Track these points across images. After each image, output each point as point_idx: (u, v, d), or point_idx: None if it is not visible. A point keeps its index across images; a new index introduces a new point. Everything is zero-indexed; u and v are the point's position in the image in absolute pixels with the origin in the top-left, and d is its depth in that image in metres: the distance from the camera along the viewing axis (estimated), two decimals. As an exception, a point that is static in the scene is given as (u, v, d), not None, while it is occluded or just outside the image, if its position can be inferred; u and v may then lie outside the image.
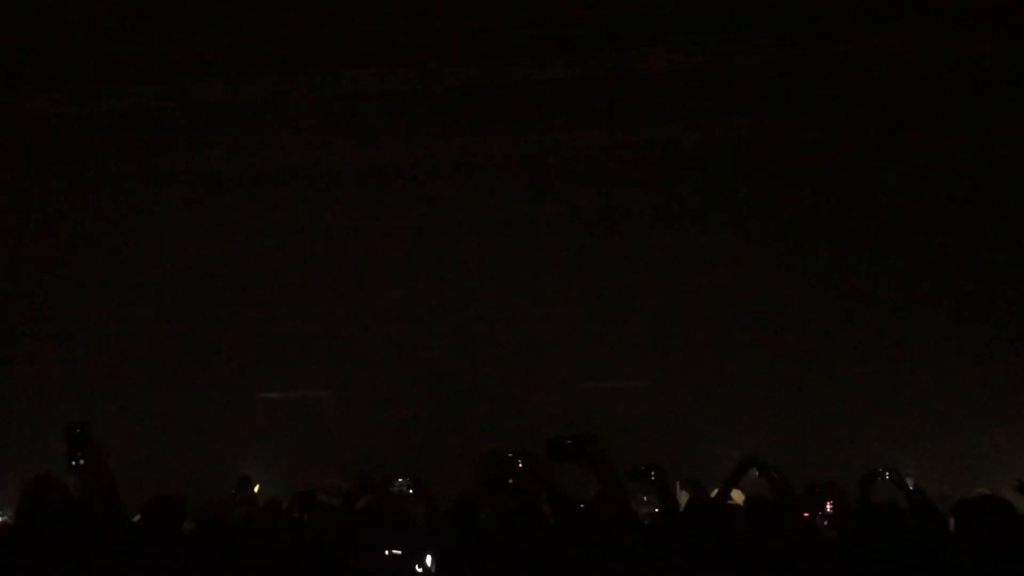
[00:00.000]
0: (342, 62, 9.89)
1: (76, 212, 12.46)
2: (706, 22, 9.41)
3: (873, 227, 12.41)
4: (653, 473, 6.13)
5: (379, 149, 11.49)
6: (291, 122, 10.80)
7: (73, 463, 4.30)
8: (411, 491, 6.41)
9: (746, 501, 6.03)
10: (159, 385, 13.54)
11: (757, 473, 6.27)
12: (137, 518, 4.89)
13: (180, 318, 13.78)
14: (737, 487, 6.70)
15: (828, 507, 4.52)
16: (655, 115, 10.77)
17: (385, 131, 10.93)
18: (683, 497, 7.17)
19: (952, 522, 5.61)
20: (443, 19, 9.30)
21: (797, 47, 9.77)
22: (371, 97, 10.33)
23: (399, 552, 3.66)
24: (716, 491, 6.75)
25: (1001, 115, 10.44)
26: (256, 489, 8.49)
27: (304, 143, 11.32)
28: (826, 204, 12.19)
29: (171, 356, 13.74)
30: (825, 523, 4.50)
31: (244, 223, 12.90)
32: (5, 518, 8.78)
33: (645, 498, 7.68)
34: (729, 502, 6.51)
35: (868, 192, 11.98)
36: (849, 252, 12.78)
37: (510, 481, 5.03)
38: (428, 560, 3.64)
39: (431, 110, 10.49)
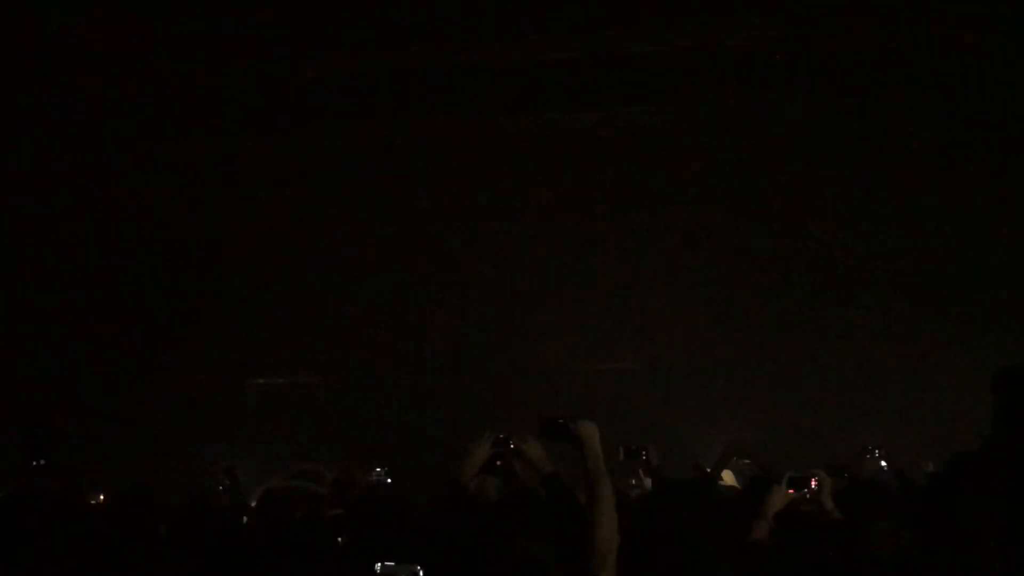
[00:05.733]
0: (326, 45, 9.81)
1: (63, 199, 12.38)
2: (692, 2, 9.35)
3: (863, 210, 12.38)
4: (644, 452, 6.24)
5: (364, 133, 11.42)
6: (274, 107, 10.73)
7: (35, 462, 4.35)
8: (388, 480, 6.41)
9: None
10: (149, 371, 13.48)
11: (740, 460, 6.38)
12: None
13: (169, 304, 13.73)
14: (727, 468, 6.85)
15: (812, 483, 4.60)
16: (642, 96, 10.72)
17: (369, 114, 10.86)
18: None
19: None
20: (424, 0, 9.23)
21: (785, 26, 9.72)
22: (353, 80, 10.26)
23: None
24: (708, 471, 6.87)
25: (992, 97, 10.40)
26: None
27: (287, 128, 11.25)
28: (817, 186, 12.16)
29: (160, 342, 13.69)
30: (807, 497, 4.58)
31: (236, 209, 12.86)
32: None
33: (633, 481, 7.69)
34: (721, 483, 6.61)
35: (857, 174, 11.95)
36: (839, 235, 12.75)
37: (498, 463, 4.99)
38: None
39: (415, 93, 10.42)
